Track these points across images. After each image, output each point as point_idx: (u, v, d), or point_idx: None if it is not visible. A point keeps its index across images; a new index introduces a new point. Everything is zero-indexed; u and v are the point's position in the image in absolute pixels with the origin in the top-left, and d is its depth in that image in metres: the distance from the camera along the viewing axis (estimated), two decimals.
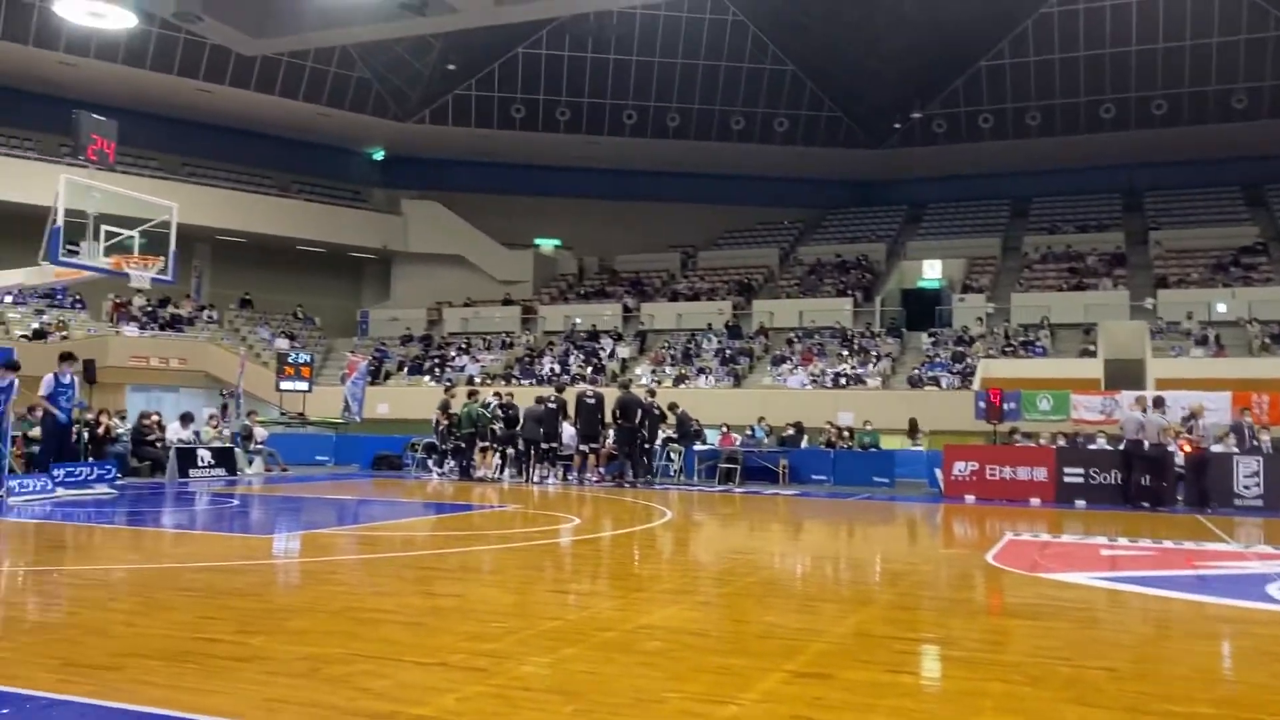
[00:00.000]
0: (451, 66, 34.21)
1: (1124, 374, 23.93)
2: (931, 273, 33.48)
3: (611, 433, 19.49)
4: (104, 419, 18.22)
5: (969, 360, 26.47)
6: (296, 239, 36.61)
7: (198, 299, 35.15)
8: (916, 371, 26.81)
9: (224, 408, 22.70)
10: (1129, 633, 6.15)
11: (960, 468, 17.54)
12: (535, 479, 19.14)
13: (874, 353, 28.32)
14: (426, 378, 31.39)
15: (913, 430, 21.83)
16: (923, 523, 13.89)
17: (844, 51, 33.59)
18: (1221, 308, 27.52)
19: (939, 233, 36.63)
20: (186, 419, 19.72)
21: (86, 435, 17.41)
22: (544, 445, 19.35)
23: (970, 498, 16.87)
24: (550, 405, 19.43)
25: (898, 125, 36.37)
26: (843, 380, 26.71)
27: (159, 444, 18.74)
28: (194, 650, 4.71)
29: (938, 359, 27.42)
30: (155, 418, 19.65)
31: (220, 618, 5.61)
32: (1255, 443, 17.02)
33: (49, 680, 4.11)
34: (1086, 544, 10.70)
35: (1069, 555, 9.89)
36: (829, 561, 9.84)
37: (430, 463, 21.42)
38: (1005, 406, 20.92)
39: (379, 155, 40.09)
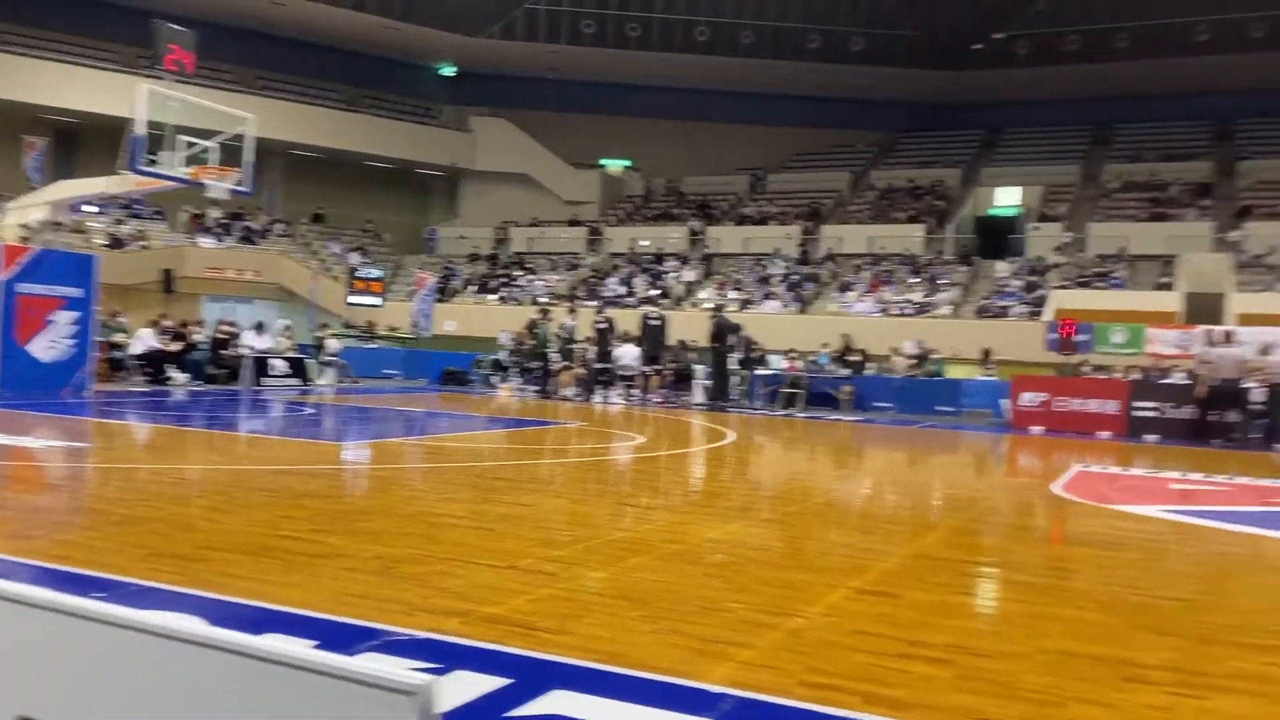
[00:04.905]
0: None
1: (1203, 308, 23.19)
2: (1006, 200, 32.62)
3: (694, 356, 19.72)
4: (189, 331, 18.72)
5: (1042, 290, 25.87)
6: (366, 154, 36.78)
7: (271, 212, 35.65)
8: (987, 301, 26.31)
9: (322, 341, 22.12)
10: (1200, 565, 6.06)
11: (1028, 398, 17.33)
12: (597, 398, 19.33)
13: (944, 281, 27.82)
14: (492, 296, 31.62)
15: (985, 359, 21.51)
16: (988, 452, 13.77)
17: None
18: None
19: (1016, 159, 35.52)
20: (260, 328, 20.19)
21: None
22: (597, 365, 19.53)
23: (1038, 429, 16.66)
24: (599, 325, 19.58)
25: (977, 46, 35.11)
26: (910, 308, 26.33)
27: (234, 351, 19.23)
28: (274, 546, 4.88)
29: (1009, 288, 26.85)
30: (230, 327, 20.14)
31: (297, 517, 5.79)
32: None
33: (139, 568, 4.29)
34: (1157, 477, 10.51)
35: (1139, 488, 9.73)
36: (891, 487, 9.81)
37: (494, 380, 21.73)
38: (1077, 338, 20.51)
39: (449, 71, 39.88)
